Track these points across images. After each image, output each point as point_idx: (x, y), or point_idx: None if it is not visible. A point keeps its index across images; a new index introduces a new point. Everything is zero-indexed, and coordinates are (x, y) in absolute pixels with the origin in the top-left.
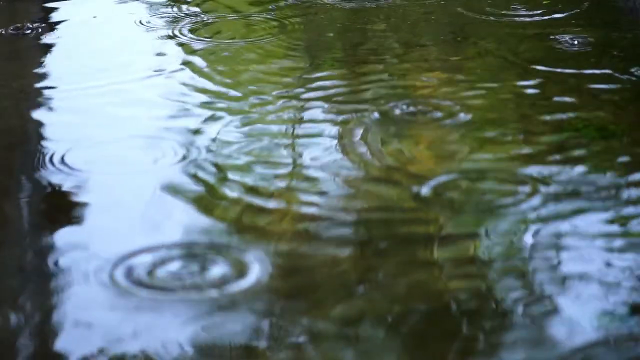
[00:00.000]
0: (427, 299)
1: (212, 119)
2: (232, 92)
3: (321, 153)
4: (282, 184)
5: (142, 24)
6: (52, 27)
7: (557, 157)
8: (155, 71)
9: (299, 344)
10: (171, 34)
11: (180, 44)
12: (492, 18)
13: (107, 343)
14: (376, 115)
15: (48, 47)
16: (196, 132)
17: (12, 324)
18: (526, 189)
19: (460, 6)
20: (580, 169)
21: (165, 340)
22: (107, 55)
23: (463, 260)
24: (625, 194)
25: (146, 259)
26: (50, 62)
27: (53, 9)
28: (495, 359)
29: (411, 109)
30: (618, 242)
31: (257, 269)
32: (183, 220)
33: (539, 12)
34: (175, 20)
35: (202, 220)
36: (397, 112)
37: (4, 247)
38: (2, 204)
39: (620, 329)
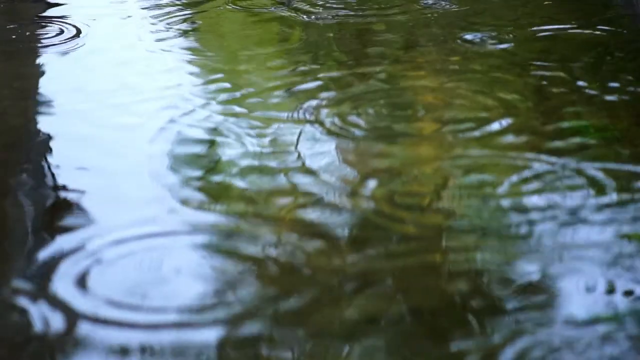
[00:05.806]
0: (429, 299)
1: (211, 119)
2: (231, 94)
3: (320, 155)
4: (281, 183)
5: (142, 23)
6: (51, 27)
7: (557, 157)
8: (161, 74)
9: (299, 342)
10: (169, 33)
11: (178, 47)
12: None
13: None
14: (375, 115)
15: (49, 48)
16: (196, 132)
17: (13, 324)
18: (527, 189)
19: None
20: (580, 169)
21: None
22: (108, 56)
23: (464, 262)
24: (626, 194)
25: (147, 256)
26: (51, 63)
27: (53, 10)
28: (494, 357)
29: (410, 110)
30: (618, 242)
31: (256, 268)
32: (182, 219)
33: (538, 13)
34: (173, 23)
35: (204, 218)
36: (397, 112)
37: (4, 246)
38: (2, 203)
39: (618, 328)
